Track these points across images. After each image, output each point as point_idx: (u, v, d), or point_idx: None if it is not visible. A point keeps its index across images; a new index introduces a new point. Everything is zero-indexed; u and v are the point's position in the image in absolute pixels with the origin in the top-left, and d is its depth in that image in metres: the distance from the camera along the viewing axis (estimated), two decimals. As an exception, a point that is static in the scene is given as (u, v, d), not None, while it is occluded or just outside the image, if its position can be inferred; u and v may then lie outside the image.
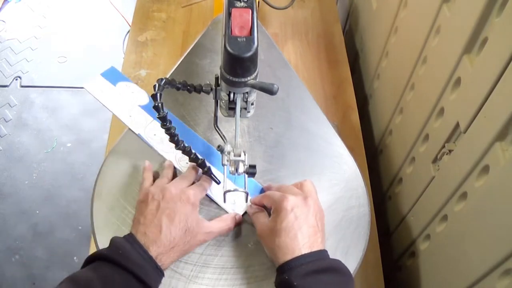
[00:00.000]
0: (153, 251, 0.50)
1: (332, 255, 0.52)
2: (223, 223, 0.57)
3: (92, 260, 0.48)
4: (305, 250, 0.49)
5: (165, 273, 0.52)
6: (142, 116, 0.66)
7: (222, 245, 0.57)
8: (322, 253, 0.50)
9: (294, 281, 0.46)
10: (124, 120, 0.65)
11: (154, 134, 0.64)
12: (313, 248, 0.50)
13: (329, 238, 0.57)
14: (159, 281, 0.51)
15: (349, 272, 0.50)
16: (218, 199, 0.60)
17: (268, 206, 0.56)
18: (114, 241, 0.50)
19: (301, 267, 0.48)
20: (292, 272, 0.47)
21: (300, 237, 0.50)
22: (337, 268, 0.49)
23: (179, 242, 0.52)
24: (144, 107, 0.67)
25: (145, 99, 0.67)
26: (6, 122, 1.74)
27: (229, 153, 0.55)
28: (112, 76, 0.69)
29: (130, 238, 0.50)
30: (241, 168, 0.55)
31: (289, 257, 0.49)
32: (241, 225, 0.59)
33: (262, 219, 0.56)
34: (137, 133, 0.65)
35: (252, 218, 0.58)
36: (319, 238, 0.52)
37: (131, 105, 0.67)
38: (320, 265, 0.48)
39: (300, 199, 0.54)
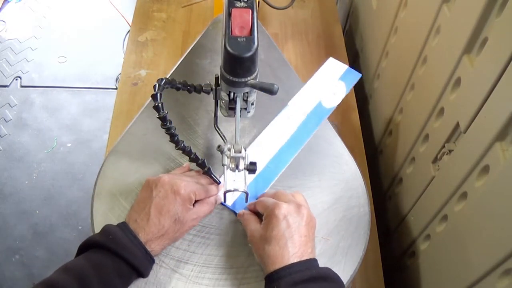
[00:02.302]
0: (142, 237, 0.50)
1: (332, 255, 0.52)
2: (206, 206, 0.57)
3: (84, 247, 0.49)
4: (294, 260, 0.49)
5: (165, 273, 0.52)
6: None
7: (222, 245, 0.57)
8: (312, 262, 0.50)
9: None
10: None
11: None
12: (302, 258, 0.49)
13: (329, 238, 0.57)
14: (149, 267, 0.51)
15: (339, 278, 0.50)
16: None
17: (261, 212, 0.56)
18: (105, 228, 0.51)
19: (290, 277, 0.47)
20: (281, 282, 0.47)
21: (291, 246, 0.49)
22: (325, 276, 0.49)
23: (169, 230, 0.52)
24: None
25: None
26: (6, 122, 1.74)
27: (229, 149, 0.55)
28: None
29: (122, 224, 0.51)
30: (242, 165, 0.54)
31: (278, 266, 0.48)
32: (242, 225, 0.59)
33: (253, 225, 0.55)
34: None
35: (243, 223, 0.57)
36: (309, 248, 0.51)
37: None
38: (309, 274, 0.48)
39: (293, 207, 0.53)
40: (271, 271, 0.49)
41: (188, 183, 0.56)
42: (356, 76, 0.73)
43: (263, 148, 0.66)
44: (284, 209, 0.52)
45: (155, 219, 0.52)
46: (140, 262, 0.49)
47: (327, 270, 0.50)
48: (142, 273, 0.50)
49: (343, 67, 0.74)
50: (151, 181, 0.56)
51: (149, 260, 0.51)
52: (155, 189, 0.54)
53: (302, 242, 0.50)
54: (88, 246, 0.49)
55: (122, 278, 0.48)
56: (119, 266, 0.48)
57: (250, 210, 0.59)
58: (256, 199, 0.60)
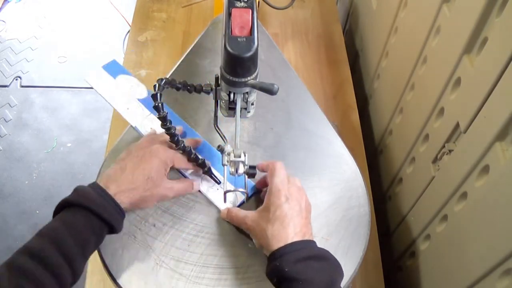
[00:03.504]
0: (112, 189, 0.52)
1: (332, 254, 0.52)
2: (183, 184, 0.59)
3: (58, 208, 0.51)
4: (296, 238, 0.50)
5: (165, 273, 0.52)
6: (139, 109, 0.67)
7: (222, 245, 0.57)
8: (312, 243, 0.52)
9: (285, 267, 0.47)
10: (121, 112, 0.66)
11: (151, 128, 0.65)
12: (304, 238, 0.51)
13: (329, 238, 0.58)
14: (119, 219, 0.52)
15: (338, 262, 0.51)
16: (217, 200, 0.60)
17: (265, 169, 0.58)
18: (76, 189, 0.52)
19: (292, 254, 0.49)
20: (283, 259, 0.48)
21: (293, 226, 0.51)
22: (326, 257, 0.50)
23: (140, 187, 0.54)
24: (143, 101, 0.67)
25: (143, 93, 0.68)
26: (6, 122, 1.74)
27: (229, 154, 0.55)
28: (113, 69, 0.69)
29: (92, 184, 0.53)
30: (241, 169, 0.55)
31: (281, 244, 0.50)
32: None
33: (243, 213, 0.56)
34: (133, 125, 0.65)
35: (231, 218, 0.58)
36: (309, 230, 0.53)
37: (129, 98, 0.67)
38: (310, 252, 0.50)
39: (295, 189, 0.55)
40: (274, 249, 0.50)
41: (167, 149, 0.58)
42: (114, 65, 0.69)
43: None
44: (285, 192, 0.54)
45: (129, 174, 0.54)
46: (109, 214, 0.50)
47: (327, 251, 0.51)
48: (113, 226, 0.51)
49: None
50: (133, 146, 0.58)
51: (119, 212, 0.52)
52: (135, 149, 0.57)
53: (303, 223, 0.52)
54: (62, 207, 0.51)
55: (94, 233, 0.50)
56: (90, 221, 0.49)
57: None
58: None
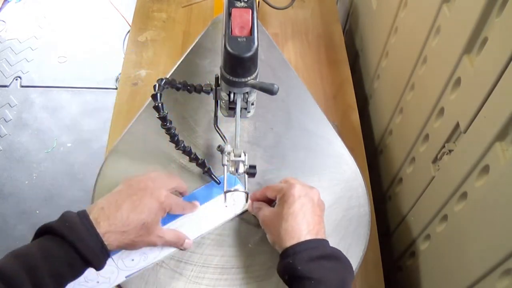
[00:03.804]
0: (102, 227, 0.48)
1: (332, 255, 0.52)
2: (176, 236, 0.55)
3: (40, 232, 0.48)
4: (310, 237, 0.51)
5: (165, 273, 0.52)
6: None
7: (222, 245, 0.57)
8: (325, 242, 0.52)
9: (298, 265, 0.47)
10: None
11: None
12: (317, 236, 0.51)
13: (329, 238, 0.57)
14: (102, 260, 0.48)
15: (349, 262, 0.51)
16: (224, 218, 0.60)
17: (272, 197, 0.57)
18: (64, 214, 0.48)
19: (305, 252, 0.49)
20: (296, 257, 0.48)
21: (306, 223, 0.51)
22: (338, 257, 0.51)
23: (132, 231, 0.50)
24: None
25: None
26: (6, 122, 1.74)
27: (229, 153, 0.55)
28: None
29: (82, 213, 0.49)
30: (241, 169, 0.55)
31: (295, 241, 0.50)
32: (241, 224, 0.59)
33: (265, 209, 0.57)
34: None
35: (255, 210, 0.58)
36: (322, 228, 0.53)
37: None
38: (323, 251, 0.50)
39: (307, 188, 0.55)
40: (287, 246, 0.50)
41: (170, 196, 0.55)
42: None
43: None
44: (298, 189, 0.54)
45: (124, 213, 0.49)
46: (93, 255, 0.47)
47: (339, 251, 0.51)
48: (94, 266, 0.48)
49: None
50: (133, 178, 0.54)
51: (104, 253, 0.48)
52: (135, 186, 0.53)
53: (316, 221, 0.52)
54: (44, 231, 0.47)
55: (72, 268, 0.46)
56: (70, 255, 0.46)
57: (258, 200, 0.60)
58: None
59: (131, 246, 0.52)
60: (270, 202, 0.59)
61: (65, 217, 0.48)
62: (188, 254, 0.56)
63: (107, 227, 0.48)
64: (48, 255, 0.45)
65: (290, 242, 0.50)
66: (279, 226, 0.52)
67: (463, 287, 0.52)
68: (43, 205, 1.53)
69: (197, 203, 0.60)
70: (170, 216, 0.57)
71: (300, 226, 0.51)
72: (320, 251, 0.49)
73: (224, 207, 0.60)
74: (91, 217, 0.48)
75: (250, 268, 0.56)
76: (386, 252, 0.75)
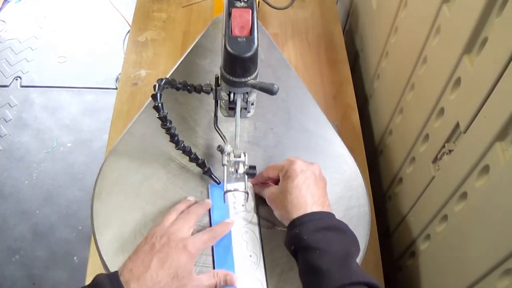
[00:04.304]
0: None
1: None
2: (213, 280, 0.54)
3: None
4: (316, 208, 0.52)
5: None
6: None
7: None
8: (331, 215, 0.53)
9: (304, 235, 0.49)
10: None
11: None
12: (323, 208, 0.52)
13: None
14: None
15: (355, 236, 0.52)
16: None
17: (275, 175, 0.58)
18: (96, 278, 0.48)
19: (312, 223, 0.50)
20: (303, 227, 0.50)
21: (311, 195, 0.53)
22: (344, 229, 0.52)
23: (164, 287, 0.49)
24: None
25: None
26: (6, 122, 1.74)
27: (229, 154, 0.55)
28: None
29: (113, 275, 0.48)
30: (241, 169, 0.55)
31: (301, 212, 0.51)
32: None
33: (271, 187, 0.58)
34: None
35: (260, 190, 0.60)
36: (327, 201, 0.54)
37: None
38: (329, 222, 0.51)
39: (308, 163, 0.56)
40: (294, 218, 0.51)
41: (195, 240, 0.53)
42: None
43: None
44: (300, 164, 0.55)
45: (153, 273, 0.48)
46: None
47: (345, 224, 0.52)
48: None
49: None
50: (155, 234, 0.53)
51: None
52: (159, 242, 0.51)
53: (321, 193, 0.54)
54: None
55: None
56: None
57: (260, 182, 0.61)
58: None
59: None
60: (274, 183, 0.60)
61: (96, 280, 0.48)
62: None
63: (137, 287, 0.47)
64: None
65: (296, 213, 0.51)
66: (284, 200, 0.53)
67: (463, 287, 0.52)
68: (43, 205, 1.53)
69: (228, 220, 0.59)
70: None
71: (305, 198, 0.52)
72: (326, 222, 0.51)
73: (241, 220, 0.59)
74: (122, 279, 0.48)
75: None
76: (386, 252, 0.75)
